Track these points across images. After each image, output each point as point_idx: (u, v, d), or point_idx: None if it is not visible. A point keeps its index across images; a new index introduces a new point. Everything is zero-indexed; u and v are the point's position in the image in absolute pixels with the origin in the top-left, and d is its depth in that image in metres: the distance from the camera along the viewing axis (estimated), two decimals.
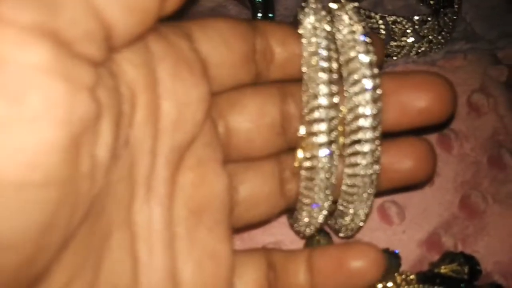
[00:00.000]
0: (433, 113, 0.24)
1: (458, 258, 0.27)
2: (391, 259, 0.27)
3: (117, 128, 0.18)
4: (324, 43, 0.23)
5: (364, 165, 0.23)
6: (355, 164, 0.23)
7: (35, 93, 0.14)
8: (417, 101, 0.24)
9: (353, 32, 0.23)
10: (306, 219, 0.25)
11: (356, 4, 0.24)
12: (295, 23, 0.24)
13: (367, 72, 0.23)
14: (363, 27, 0.24)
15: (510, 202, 0.29)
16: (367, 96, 0.23)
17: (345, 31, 0.24)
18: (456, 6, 0.34)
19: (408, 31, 0.33)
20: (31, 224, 0.15)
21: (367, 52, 0.23)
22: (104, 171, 0.17)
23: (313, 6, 0.24)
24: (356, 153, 0.23)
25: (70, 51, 0.15)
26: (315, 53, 0.23)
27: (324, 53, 0.23)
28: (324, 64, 0.23)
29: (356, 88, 0.23)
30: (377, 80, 0.23)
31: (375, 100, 0.23)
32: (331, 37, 0.24)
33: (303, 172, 0.24)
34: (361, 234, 0.28)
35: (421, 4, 0.37)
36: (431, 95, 0.24)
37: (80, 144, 0.15)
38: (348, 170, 0.24)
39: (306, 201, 0.24)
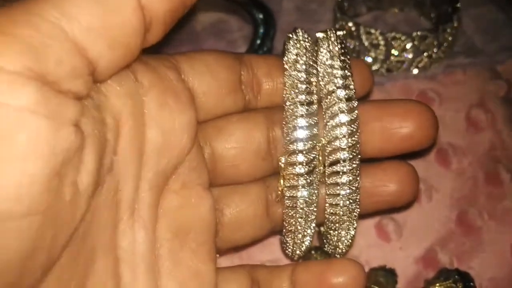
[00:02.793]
0: (416, 140, 0.24)
1: (452, 275, 0.27)
2: (388, 276, 0.27)
3: (101, 156, 0.19)
4: (303, 77, 0.23)
5: (343, 195, 0.24)
6: (335, 194, 0.24)
7: (22, 133, 0.15)
8: (400, 129, 0.24)
9: (331, 66, 0.24)
10: (291, 244, 0.25)
11: (341, 32, 0.24)
12: (283, 53, 0.25)
13: (344, 106, 0.23)
14: (342, 61, 0.24)
15: (506, 219, 0.30)
16: (344, 130, 0.23)
17: (325, 64, 0.24)
18: (456, 21, 0.34)
19: (408, 46, 0.33)
20: (14, 252, 0.16)
21: (344, 87, 0.23)
22: (87, 197, 0.18)
23: (300, 37, 0.24)
24: (335, 184, 0.24)
25: (55, 89, 0.16)
26: (295, 87, 0.23)
27: (302, 87, 0.23)
28: (302, 98, 0.23)
29: (333, 122, 0.23)
30: (354, 114, 0.23)
31: (352, 134, 0.23)
32: (313, 69, 0.24)
33: (285, 200, 0.24)
34: (358, 251, 0.29)
35: (422, 18, 0.38)
36: (414, 122, 0.24)
37: (63, 174, 0.16)
38: (329, 199, 0.24)
39: (290, 228, 0.25)
